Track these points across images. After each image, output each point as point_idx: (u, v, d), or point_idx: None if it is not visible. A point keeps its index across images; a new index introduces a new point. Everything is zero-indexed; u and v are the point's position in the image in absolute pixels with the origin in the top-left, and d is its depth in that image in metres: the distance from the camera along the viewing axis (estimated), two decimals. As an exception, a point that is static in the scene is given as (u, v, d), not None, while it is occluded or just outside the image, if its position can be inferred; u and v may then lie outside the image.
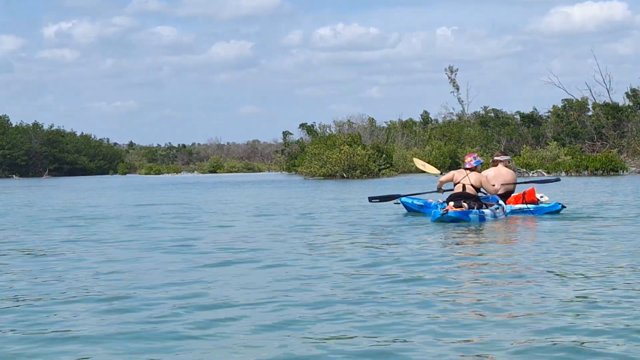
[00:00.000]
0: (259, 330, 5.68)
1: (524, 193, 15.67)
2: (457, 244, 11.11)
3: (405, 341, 5.30)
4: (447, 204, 14.43)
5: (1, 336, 5.62)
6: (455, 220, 13.71)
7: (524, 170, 46.03)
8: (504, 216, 14.68)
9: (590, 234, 11.81)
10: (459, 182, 14.50)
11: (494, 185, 15.24)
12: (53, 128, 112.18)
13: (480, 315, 6.03)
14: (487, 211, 14.18)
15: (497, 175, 15.71)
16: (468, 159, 14.83)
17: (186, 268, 8.86)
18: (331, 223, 14.93)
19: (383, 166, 52.48)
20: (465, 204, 14.12)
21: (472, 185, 14.42)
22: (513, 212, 15.36)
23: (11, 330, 5.79)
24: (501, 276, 7.91)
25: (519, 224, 13.92)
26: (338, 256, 9.68)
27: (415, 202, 16.37)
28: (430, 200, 16.19)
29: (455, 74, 76.01)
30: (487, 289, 7.17)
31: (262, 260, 9.43)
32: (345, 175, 50.27)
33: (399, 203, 16.78)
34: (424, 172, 18.99)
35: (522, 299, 6.62)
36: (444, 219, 13.75)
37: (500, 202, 15.06)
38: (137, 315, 6.19)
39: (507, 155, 16.88)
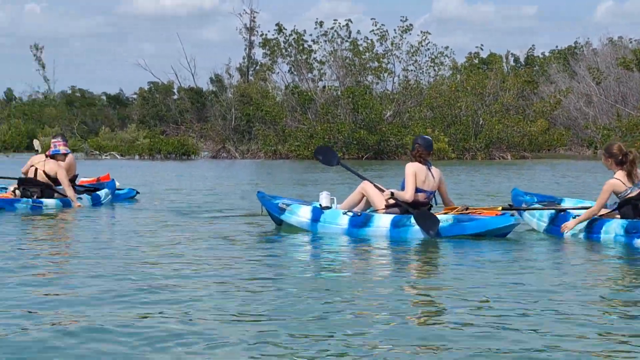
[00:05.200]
0: None
1: (98, 179, 15.21)
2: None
3: None
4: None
5: None
6: None
7: (97, 153, 44.90)
8: (88, 205, 13.26)
9: (153, 220, 11.76)
10: (33, 166, 13.17)
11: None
12: None
13: None
14: (49, 201, 12.84)
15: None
16: (52, 145, 13.38)
17: None
18: None
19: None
20: (18, 192, 12.89)
21: (45, 172, 13.06)
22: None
23: None
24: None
25: (102, 213, 12.92)
26: None
27: None
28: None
29: (42, 52, 73.90)
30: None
31: None
32: None
33: None
34: None
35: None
36: None
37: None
38: None
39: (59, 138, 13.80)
